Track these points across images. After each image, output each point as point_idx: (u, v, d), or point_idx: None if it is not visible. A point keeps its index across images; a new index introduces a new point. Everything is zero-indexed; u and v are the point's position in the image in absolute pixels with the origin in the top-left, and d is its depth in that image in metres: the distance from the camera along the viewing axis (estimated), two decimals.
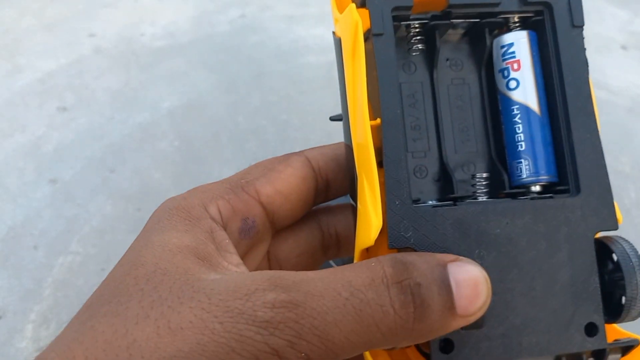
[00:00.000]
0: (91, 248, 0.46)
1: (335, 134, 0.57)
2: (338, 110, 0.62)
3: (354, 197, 0.18)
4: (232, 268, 0.17)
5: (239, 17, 0.78)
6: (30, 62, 0.68)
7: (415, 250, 0.16)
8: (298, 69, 0.67)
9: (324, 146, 0.22)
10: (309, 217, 0.22)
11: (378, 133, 0.17)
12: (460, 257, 0.16)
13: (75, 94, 0.63)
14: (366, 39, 0.17)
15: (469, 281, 0.15)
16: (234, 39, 0.73)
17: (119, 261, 0.17)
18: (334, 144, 0.22)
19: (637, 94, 0.66)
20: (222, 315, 0.14)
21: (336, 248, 0.23)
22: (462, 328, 0.15)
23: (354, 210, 0.19)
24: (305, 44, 0.72)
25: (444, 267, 0.15)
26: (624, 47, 0.75)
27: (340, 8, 0.19)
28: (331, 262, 0.29)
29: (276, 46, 0.72)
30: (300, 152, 0.21)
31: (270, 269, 0.21)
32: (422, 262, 0.15)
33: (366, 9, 0.17)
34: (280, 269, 0.21)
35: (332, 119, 0.38)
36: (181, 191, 0.51)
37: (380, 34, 0.16)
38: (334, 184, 0.21)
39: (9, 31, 0.74)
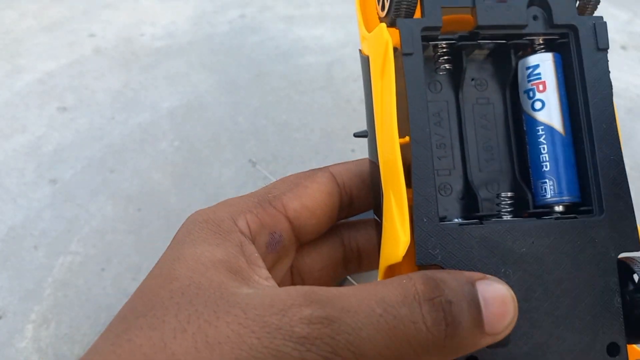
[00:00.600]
0: (91, 248, 0.46)
1: (334, 135, 0.57)
2: (338, 110, 0.62)
3: (379, 213, 0.18)
4: (263, 282, 0.17)
5: (238, 18, 0.78)
6: (31, 62, 0.68)
7: (443, 268, 0.16)
8: (298, 69, 0.67)
9: (348, 162, 0.22)
10: (332, 232, 0.23)
11: (406, 151, 0.17)
12: (488, 276, 0.16)
13: (75, 94, 0.63)
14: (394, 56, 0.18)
15: (497, 299, 0.15)
16: (233, 40, 0.73)
17: (150, 273, 0.18)
18: (358, 160, 0.22)
19: (636, 95, 0.66)
20: (259, 331, 0.14)
21: (357, 262, 0.23)
22: (488, 346, 0.15)
23: (377, 225, 0.19)
24: (305, 45, 0.72)
25: (473, 284, 0.15)
26: (623, 48, 0.75)
27: (368, 27, 0.20)
28: (349, 277, 0.29)
29: (276, 47, 0.72)
30: (325, 167, 0.22)
31: (293, 281, 0.22)
32: (452, 280, 0.15)
33: (396, 28, 0.17)
34: (303, 282, 0.22)
35: (357, 135, 0.38)
36: (181, 191, 0.51)
37: (410, 54, 0.17)
38: (357, 199, 0.22)
39: (9, 32, 0.74)
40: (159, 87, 0.64)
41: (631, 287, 0.17)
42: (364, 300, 0.15)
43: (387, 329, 0.14)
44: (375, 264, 0.19)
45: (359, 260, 0.23)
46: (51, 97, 0.62)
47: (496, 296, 0.15)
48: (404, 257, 0.17)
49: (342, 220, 0.23)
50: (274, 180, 0.50)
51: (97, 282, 0.44)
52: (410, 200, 0.17)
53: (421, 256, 0.16)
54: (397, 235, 0.16)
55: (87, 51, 0.70)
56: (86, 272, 0.45)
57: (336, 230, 0.23)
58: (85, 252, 0.46)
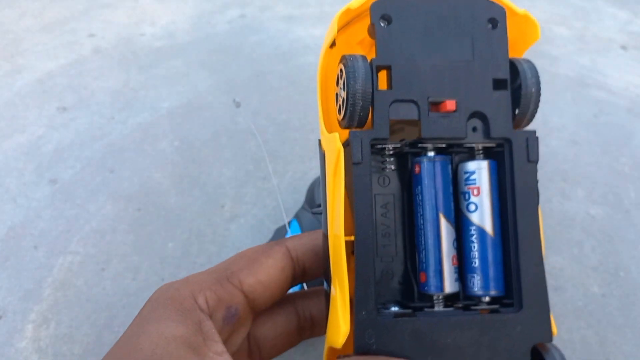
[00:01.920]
0: (91, 248, 0.46)
1: None
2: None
3: (328, 281, 0.21)
4: (216, 357, 0.19)
5: (238, 17, 0.78)
6: (30, 62, 0.68)
7: (376, 354, 0.19)
8: (297, 69, 0.67)
9: (303, 235, 0.25)
10: (286, 302, 0.25)
11: (351, 245, 0.19)
12: None
13: (75, 94, 0.63)
14: (346, 145, 0.20)
15: None
16: (233, 39, 0.73)
17: (116, 343, 0.20)
18: (311, 233, 0.25)
19: (636, 94, 0.66)
20: None
21: (310, 330, 0.25)
22: None
23: (326, 294, 0.21)
24: (304, 44, 0.72)
25: None
26: (623, 48, 0.75)
27: (327, 123, 0.22)
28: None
29: (276, 46, 0.72)
30: (281, 241, 0.24)
31: (249, 349, 0.24)
32: None
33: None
34: (259, 350, 0.24)
35: (314, 212, 0.40)
36: (181, 191, 0.51)
37: (359, 163, 0.19)
38: (309, 270, 0.24)
39: (9, 32, 0.74)
40: (158, 86, 0.64)
41: None
42: None
43: None
44: (325, 331, 0.22)
45: (312, 327, 0.25)
46: (51, 97, 0.62)
47: None
48: (346, 339, 0.19)
49: (297, 291, 0.26)
50: (256, 132, 0.49)
51: (96, 281, 0.44)
52: (352, 269, 0.19)
53: (359, 345, 0.19)
54: (338, 325, 0.19)
55: (86, 51, 0.70)
56: (86, 272, 0.45)
57: (290, 300, 0.25)
58: (85, 251, 0.46)
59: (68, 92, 0.63)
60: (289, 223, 0.42)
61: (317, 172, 0.53)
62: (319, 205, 0.43)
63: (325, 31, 0.22)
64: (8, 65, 0.68)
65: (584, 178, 0.54)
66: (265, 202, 0.50)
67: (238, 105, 0.41)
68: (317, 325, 0.25)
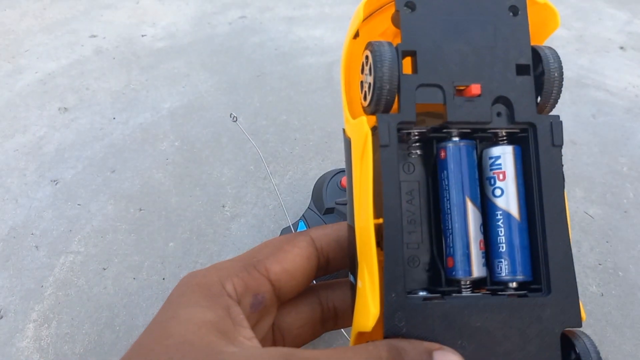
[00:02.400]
0: (92, 248, 0.47)
1: (334, 135, 0.58)
2: (338, 110, 0.62)
3: (354, 274, 0.21)
4: (246, 342, 0.19)
5: (239, 18, 0.79)
6: (31, 62, 0.68)
7: (406, 337, 0.19)
8: (298, 69, 0.68)
9: (327, 227, 0.25)
10: (310, 293, 0.25)
11: (379, 229, 0.19)
12: (444, 347, 0.18)
13: (76, 94, 0.63)
14: (372, 133, 0.20)
15: None
16: (234, 40, 0.73)
17: (146, 329, 0.20)
18: (336, 225, 0.25)
19: (635, 95, 0.66)
20: None
21: (334, 321, 0.25)
22: None
23: (352, 287, 0.21)
24: (304, 45, 0.72)
25: (430, 354, 0.18)
26: (622, 48, 0.75)
27: (352, 112, 0.22)
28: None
29: (276, 47, 0.72)
30: (305, 231, 0.24)
31: (274, 338, 0.24)
32: (412, 349, 0.18)
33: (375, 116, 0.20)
34: (283, 339, 0.24)
35: (338, 203, 0.40)
36: (182, 191, 0.51)
37: (387, 146, 0.19)
38: (333, 261, 0.24)
39: (10, 32, 0.74)
40: (159, 87, 0.64)
41: (573, 357, 0.19)
42: None
43: None
44: (350, 323, 0.21)
45: (335, 319, 0.25)
46: (52, 97, 0.62)
47: None
48: (375, 325, 0.19)
49: (320, 282, 0.26)
50: (259, 151, 0.50)
51: (98, 281, 0.44)
52: (381, 262, 0.19)
53: (388, 328, 0.18)
54: (368, 308, 0.19)
55: (88, 51, 0.70)
56: (87, 272, 0.45)
57: (314, 291, 0.25)
58: (86, 251, 0.46)
59: (69, 92, 0.63)
60: (297, 224, 0.43)
61: (317, 172, 0.53)
62: (337, 173, 0.43)
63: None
64: (9, 66, 0.68)
65: (582, 178, 0.54)
66: (265, 202, 0.50)
67: (235, 119, 0.42)
68: (340, 317, 0.25)
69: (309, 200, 0.44)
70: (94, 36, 0.73)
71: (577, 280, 0.20)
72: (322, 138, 0.57)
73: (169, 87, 0.64)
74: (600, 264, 0.47)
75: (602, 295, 0.44)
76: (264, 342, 0.22)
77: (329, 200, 0.42)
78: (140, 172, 0.53)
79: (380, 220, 0.19)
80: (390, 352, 0.17)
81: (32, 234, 0.48)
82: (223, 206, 0.50)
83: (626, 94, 0.66)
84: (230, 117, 0.41)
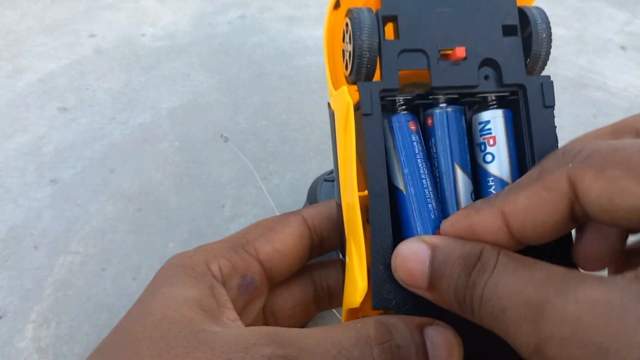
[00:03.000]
0: (92, 248, 0.47)
1: None
2: None
3: (343, 252, 0.20)
4: (230, 323, 0.18)
5: (238, 18, 0.79)
6: (31, 63, 0.68)
7: (397, 313, 0.18)
8: (298, 69, 0.68)
9: (319, 205, 0.24)
10: (303, 272, 0.24)
11: (365, 202, 0.18)
12: (437, 321, 0.17)
13: (76, 94, 0.63)
14: (357, 109, 0.19)
15: (444, 344, 0.17)
16: (234, 40, 0.73)
17: (128, 311, 0.19)
18: (329, 202, 0.24)
19: (635, 95, 0.66)
20: None
21: (328, 301, 0.24)
22: None
23: (343, 265, 0.20)
24: (305, 45, 0.72)
25: (421, 330, 0.17)
26: (622, 48, 0.75)
27: (336, 84, 0.21)
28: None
29: (276, 47, 0.72)
30: (297, 211, 0.23)
31: (265, 321, 0.23)
32: (402, 326, 0.17)
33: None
34: (275, 321, 0.23)
35: (326, 180, 0.40)
36: (181, 191, 0.51)
37: (369, 114, 0.18)
38: (327, 240, 0.23)
39: (10, 32, 0.74)
40: (159, 87, 0.64)
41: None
42: (321, 341, 0.16)
43: None
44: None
45: (330, 298, 0.24)
46: (52, 97, 0.62)
47: (443, 341, 0.17)
48: (364, 300, 0.18)
49: (313, 260, 0.24)
50: (247, 159, 0.49)
51: (97, 281, 0.44)
52: (368, 239, 0.18)
53: (376, 302, 0.17)
54: (355, 282, 0.18)
55: (87, 51, 0.70)
56: (86, 272, 0.45)
57: (307, 270, 0.24)
58: (86, 251, 0.46)
59: (69, 92, 0.63)
60: None
61: (317, 172, 0.53)
62: (331, 173, 0.43)
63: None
64: (9, 66, 0.68)
65: None
66: (265, 202, 0.50)
67: (226, 140, 0.42)
68: (335, 296, 0.24)
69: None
70: (94, 36, 0.73)
71: None
72: (322, 138, 0.57)
73: (169, 87, 0.64)
74: None
75: None
76: (254, 325, 0.21)
77: (324, 199, 0.42)
78: (140, 172, 0.53)
79: (365, 193, 0.18)
80: (379, 329, 0.17)
81: (31, 234, 0.48)
82: (223, 206, 0.50)
83: (626, 95, 0.66)
84: (222, 137, 0.41)
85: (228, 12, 0.79)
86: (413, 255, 0.17)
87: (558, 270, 0.14)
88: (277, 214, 0.47)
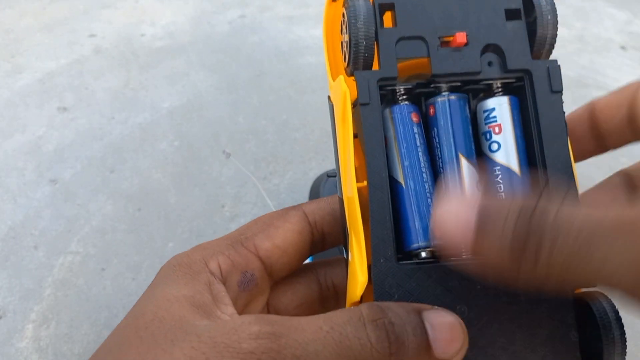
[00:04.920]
0: (91, 248, 0.47)
1: None
2: None
3: (347, 248, 0.19)
4: (226, 318, 0.18)
5: (238, 18, 0.78)
6: (30, 62, 0.68)
7: None
8: (297, 69, 0.67)
9: (321, 200, 0.23)
10: (307, 271, 0.23)
11: (365, 193, 0.18)
12: (436, 307, 0.17)
13: (75, 94, 0.63)
14: (355, 105, 0.18)
15: (445, 325, 0.16)
16: (233, 39, 0.73)
17: (126, 315, 0.19)
18: (330, 197, 0.23)
19: None
20: (209, 351, 0.15)
21: (335, 300, 0.24)
22: None
23: (345, 261, 0.20)
24: (304, 44, 0.72)
25: (418, 313, 0.16)
26: (623, 48, 0.75)
27: (335, 76, 0.21)
28: None
29: (276, 46, 0.72)
30: (298, 206, 0.23)
31: None
32: (397, 307, 0.17)
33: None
34: None
35: (329, 175, 0.40)
36: (181, 191, 0.51)
37: (367, 104, 0.17)
38: (329, 236, 0.23)
39: (9, 31, 0.74)
40: (159, 86, 0.64)
41: (589, 321, 0.17)
42: (312, 320, 0.16)
43: (333, 344, 0.15)
44: None
45: (336, 297, 0.24)
46: (51, 96, 0.62)
47: (444, 322, 0.16)
48: (367, 295, 0.18)
49: (319, 260, 0.24)
50: (250, 174, 0.49)
51: (97, 281, 0.44)
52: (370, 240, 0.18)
53: (378, 295, 0.17)
54: (356, 275, 0.17)
55: (87, 51, 0.70)
56: (86, 272, 0.45)
57: (312, 269, 0.24)
58: (85, 251, 0.46)
59: (68, 92, 0.63)
60: None
61: (317, 172, 0.53)
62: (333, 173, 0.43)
63: None
64: (8, 65, 0.68)
65: (583, 178, 0.54)
66: (265, 201, 0.50)
67: (228, 156, 0.42)
68: (340, 295, 0.23)
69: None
70: (93, 35, 0.73)
71: None
72: (322, 138, 0.57)
73: (168, 86, 0.64)
74: None
75: None
76: None
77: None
78: (140, 171, 0.53)
79: (365, 183, 0.17)
80: (372, 309, 0.16)
81: (31, 233, 0.48)
82: (222, 206, 0.50)
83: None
84: (223, 153, 0.41)
85: (228, 12, 0.79)
86: (458, 204, 0.15)
87: None
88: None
